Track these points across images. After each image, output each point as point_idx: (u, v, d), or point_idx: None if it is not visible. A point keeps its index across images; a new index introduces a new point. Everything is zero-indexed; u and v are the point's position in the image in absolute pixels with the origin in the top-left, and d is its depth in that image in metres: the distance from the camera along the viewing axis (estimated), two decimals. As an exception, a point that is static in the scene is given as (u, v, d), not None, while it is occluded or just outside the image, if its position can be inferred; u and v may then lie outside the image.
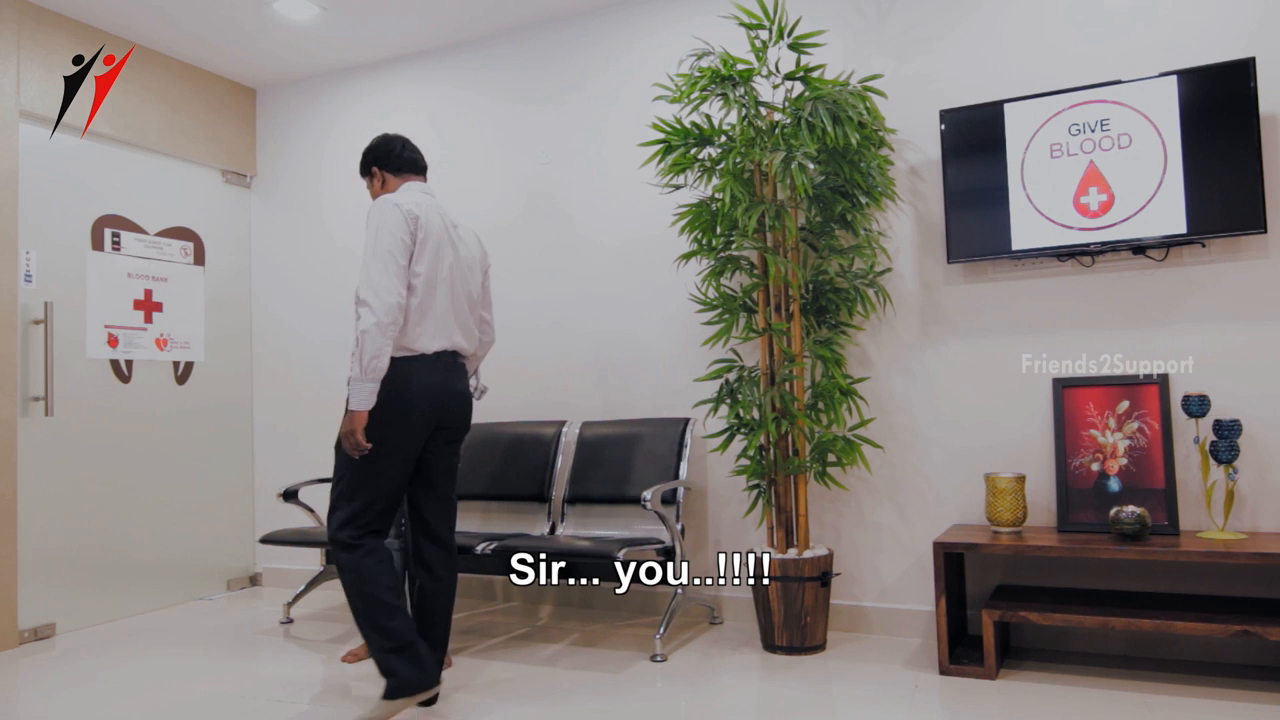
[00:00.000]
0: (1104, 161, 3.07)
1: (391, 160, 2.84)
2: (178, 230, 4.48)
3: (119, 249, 4.20)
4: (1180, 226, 2.95)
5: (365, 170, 2.91)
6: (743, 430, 3.31)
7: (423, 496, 2.75)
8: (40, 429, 3.80)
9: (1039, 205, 3.15)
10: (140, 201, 4.33)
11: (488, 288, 2.96)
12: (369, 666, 3.15)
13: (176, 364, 4.43)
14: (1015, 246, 3.18)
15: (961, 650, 3.02)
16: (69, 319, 3.95)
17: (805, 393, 3.38)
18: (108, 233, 4.16)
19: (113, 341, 4.14)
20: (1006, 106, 3.21)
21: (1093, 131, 3.08)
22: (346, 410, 2.52)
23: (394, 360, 2.56)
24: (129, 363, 4.22)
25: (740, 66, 3.29)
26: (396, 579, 2.60)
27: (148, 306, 4.32)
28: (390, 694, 2.50)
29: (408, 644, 2.51)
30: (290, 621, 3.90)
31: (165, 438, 4.35)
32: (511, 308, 4.23)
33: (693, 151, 3.39)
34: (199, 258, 4.59)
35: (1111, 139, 3.05)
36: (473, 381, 3.13)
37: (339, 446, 2.59)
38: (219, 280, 4.71)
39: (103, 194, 4.16)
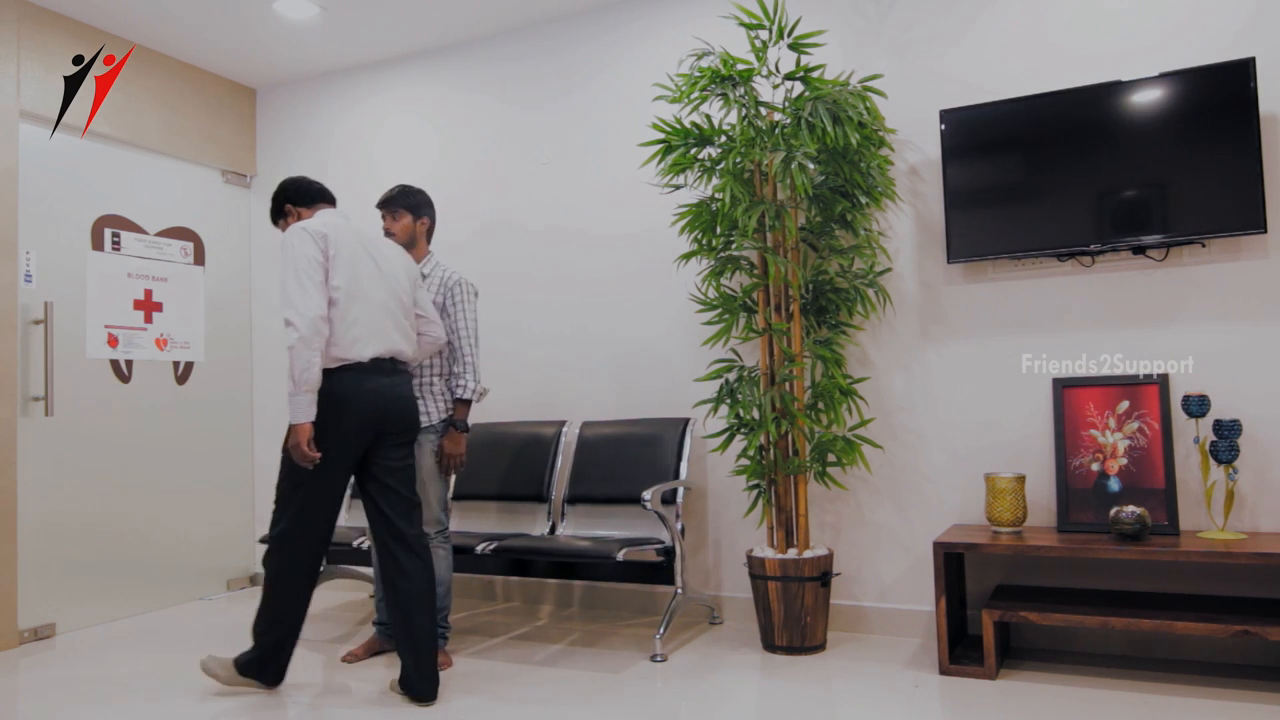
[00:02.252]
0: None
1: (303, 195, 2.99)
2: (178, 230, 4.48)
3: (119, 249, 4.20)
4: (1180, 227, 2.95)
5: (279, 213, 3.03)
6: (743, 430, 3.31)
7: (382, 501, 2.83)
8: (40, 429, 3.80)
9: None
10: (140, 201, 4.33)
11: (423, 300, 3.06)
12: (369, 667, 3.16)
13: (176, 364, 4.43)
14: (1016, 246, 3.18)
15: (961, 650, 3.02)
16: (69, 319, 3.95)
17: (805, 393, 3.38)
18: (108, 233, 4.16)
19: (113, 341, 4.14)
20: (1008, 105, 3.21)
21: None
22: (290, 424, 2.65)
23: (328, 371, 2.70)
24: (129, 363, 4.22)
25: (740, 66, 3.29)
26: (313, 581, 2.82)
27: (148, 306, 4.31)
28: (241, 667, 2.84)
29: (280, 648, 2.82)
30: (290, 621, 3.90)
31: (165, 437, 4.35)
32: (511, 308, 4.23)
33: (693, 151, 3.39)
34: (199, 258, 4.59)
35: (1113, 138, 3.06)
36: (468, 382, 3.15)
37: (284, 452, 2.73)
38: (219, 280, 4.71)
39: (103, 194, 4.16)
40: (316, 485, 2.72)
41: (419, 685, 2.74)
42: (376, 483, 2.82)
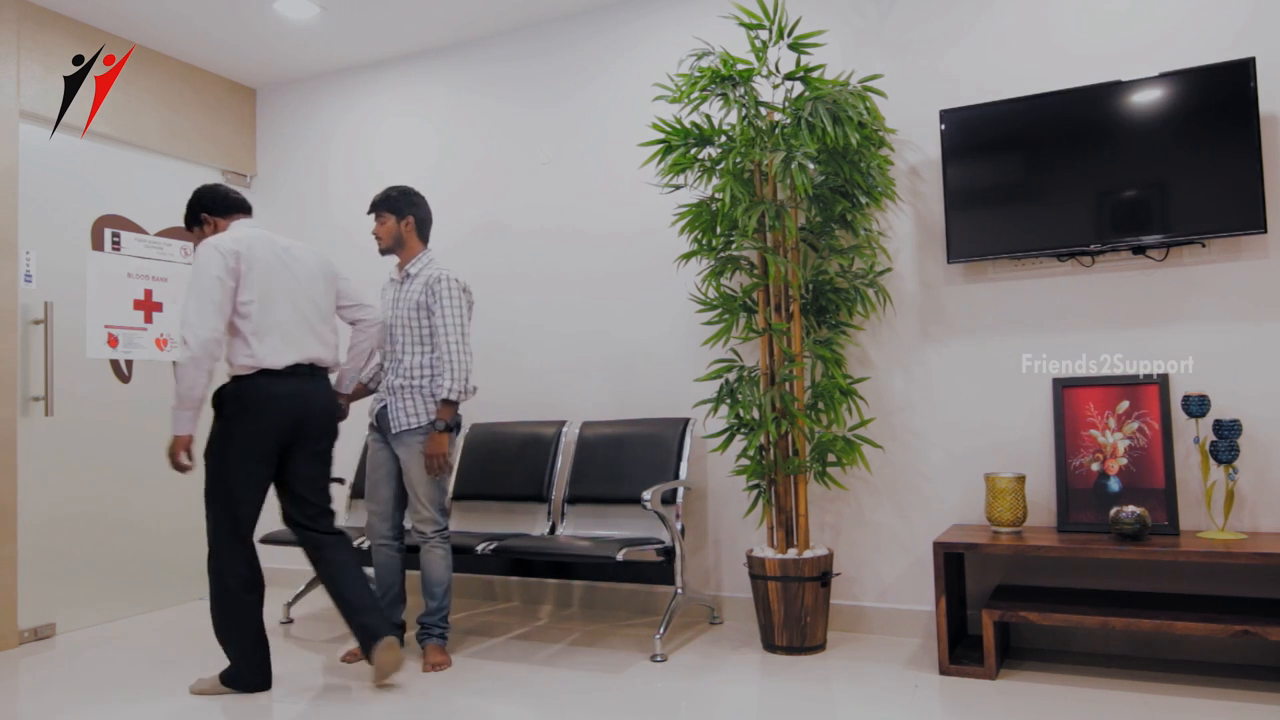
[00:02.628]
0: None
1: (219, 205, 3.03)
2: (178, 230, 4.48)
3: (119, 249, 4.20)
4: (1180, 227, 2.95)
5: (194, 220, 3.06)
6: (743, 430, 3.31)
7: (291, 506, 2.99)
8: (40, 429, 3.80)
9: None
10: (141, 202, 4.33)
11: (349, 291, 3.16)
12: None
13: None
14: (1016, 246, 3.18)
15: (961, 650, 3.02)
16: (69, 319, 3.95)
17: (805, 393, 3.38)
18: (108, 233, 4.16)
19: (113, 341, 4.14)
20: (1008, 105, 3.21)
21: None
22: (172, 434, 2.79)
23: (242, 378, 2.84)
24: (129, 363, 4.22)
25: (740, 66, 3.29)
26: (253, 581, 2.88)
27: (148, 306, 4.32)
28: (224, 680, 2.90)
29: (250, 654, 2.88)
30: (290, 621, 3.90)
31: (166, 437, 4.34)
32: (511, 307, 4.23)
33: (693, 151, 3.39)
34: None
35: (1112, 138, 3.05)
36: (447, 382, 3.11)
37: (206, 460, 2.88)
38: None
39: (103, 194, 4.16)
40: (239, 488, 2.83)
41: (377, 630, 2.83)
42: (287, 488, 2.97)
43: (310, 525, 2.98)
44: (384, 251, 3.30)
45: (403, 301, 3.23)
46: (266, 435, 2.84)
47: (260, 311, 2.83)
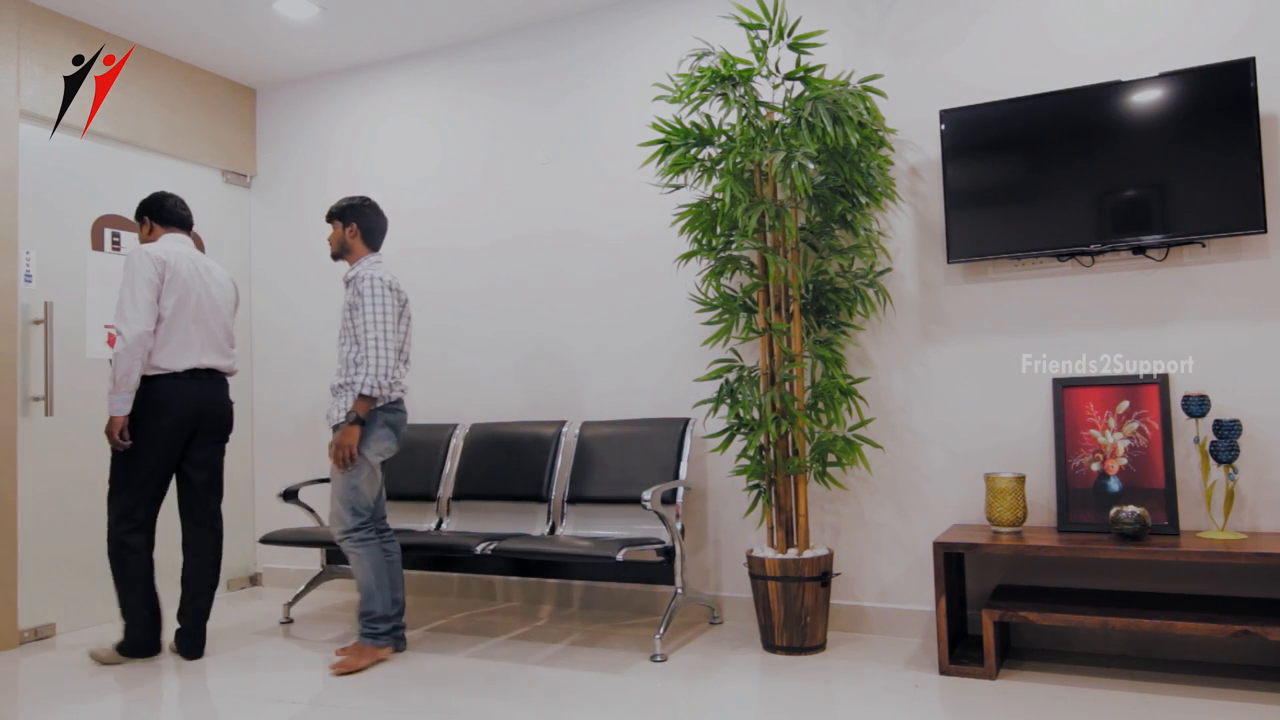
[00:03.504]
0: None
1: (162, 215, 3.40)
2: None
3: (119, 248, 4.20)
4: (1180, 227, 2.95)
5: (138, 217, 3.44)
6: (743, 430, 3.31)
7: (185, 489, 3.37)
8: (40, 429, 3.80)
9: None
10: (137, 203, 4.31)
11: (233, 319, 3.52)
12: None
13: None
14: (1016, 246, 3.18)
15: (961, 650, 3.02)
16: (69, 319, 3.95)
17: (805, 393, 3.38)
18: (107, 232, 4.16)
19: (112, 341, 4.12)
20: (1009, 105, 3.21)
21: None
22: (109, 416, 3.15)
23: (149, 378, 3.20)
24: None
25: (740, 66, 3.29)
26: (145, 568, 3.25)
27: None
28: (122, 649, 3.26)
29: (144, 618, 3.24)
30: (290, 621, 3.90)
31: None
32: (511, 307, 4.23)
33: (693, 151, 3.39)
34: None
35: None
36: (362, 377, 3.13)
37: (112, 451, 3.22)
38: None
39: (103, 194, 4.16)
40: (142, 473, 3.21)
41: (189, 644, 3.30)
42: (183, 474, 3.36)
43: (195, 512, 3.37)
44: (333, 257, 3.39)
45: (343, 306, 3.30)
46: (168, 430, 3.22)
47: (173, 316, 3.21)
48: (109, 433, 3.15)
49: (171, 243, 3.32)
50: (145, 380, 3.19)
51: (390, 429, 3.23)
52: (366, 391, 3.11)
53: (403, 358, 3.29)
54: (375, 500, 3.25)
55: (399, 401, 3.26)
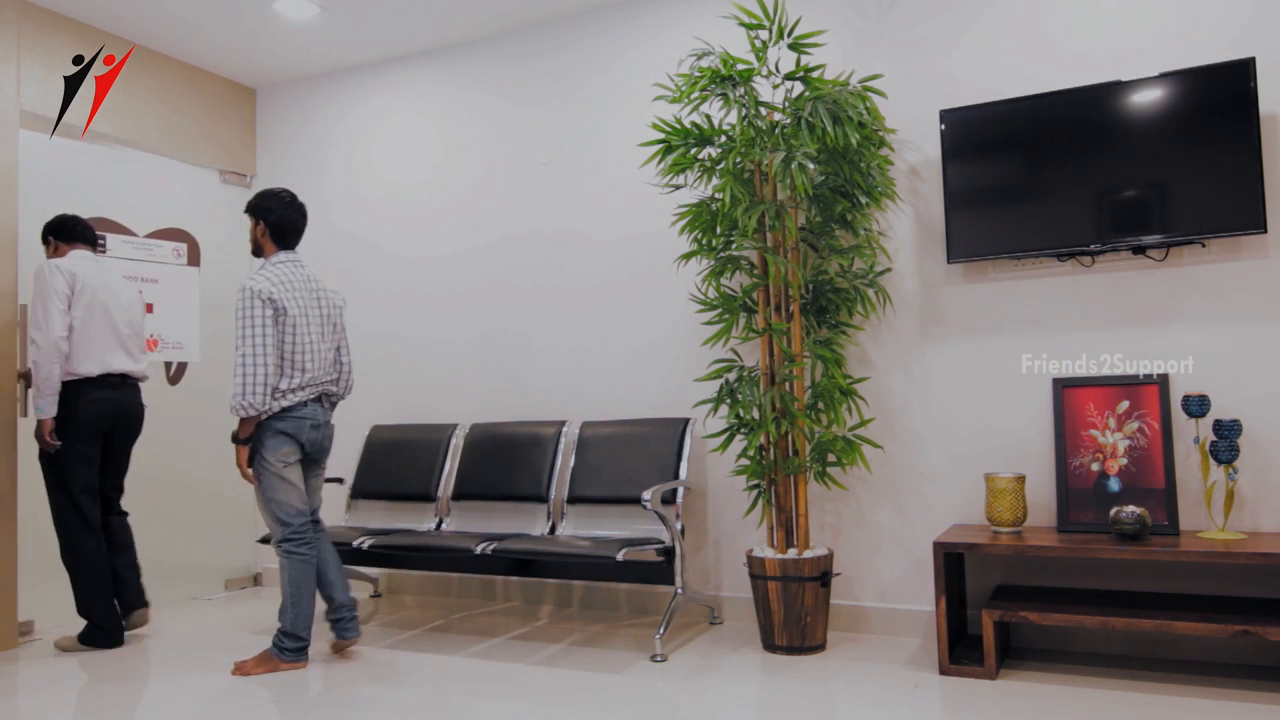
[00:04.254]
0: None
1: (65, 233, 3.61)
2: (170, 232, 4.51)
3: (104, 251, 4.23)
4: (1180, 227, 2.95)
5: (45, 239, 3.65)
6: (743, 430, 3.31)
7: (102, 482, 3.60)
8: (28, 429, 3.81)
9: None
10: (130, 205, 4.38)
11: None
12: (368, 664, 3.16)
13: (169, 364, 4.47)
14: (1016, 246, 3.18)
15: (961, 650, 3.02)
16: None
17: (805, 393, 3.38)
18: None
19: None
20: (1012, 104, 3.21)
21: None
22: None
23: (66, 382, 3.43)
24: None
25: (740, 66, 3.29)
26: (103, 565, 3.50)
27: None
28: (84, 639, 3.51)
29: (102, 608, 3.49)
30: (290, 621, 3.90)
31: (158, 437, 4.34)
32: (511, 307, 4.24)
33: (693, 151, 3.39)
34: (193, 259, 4.60)
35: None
36: (232, 395, 3.10)
37: (45, 461, 3.47)
38: (216, 281, 4.71)
39: (91, 197, 4.21)
40: (71, 470, 3.44)
41: (132, 601, 3.59)
42: (101, 467, 3.59)
43: (112, 503, 3.66)
44: (253, 253, 3.34)
45: None
46: (86, 430, 3.46)
47: (82, 326, 3.45)
48: (39, 435, 3.40)
49: (78, 259, 3.53)
50: (64, 385, 3.42)
51: (286, 435, 3.15)
52: (234, 412, 3.05)
53: (300, 368, 3.16)
54: (304, 502, 3.21)
55: (293, 408, 3.16)
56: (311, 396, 3.23)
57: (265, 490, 3.15)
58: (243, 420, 3.09)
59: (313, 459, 3.31)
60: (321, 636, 3.54)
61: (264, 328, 3.05)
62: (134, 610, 3.61)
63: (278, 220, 3.24)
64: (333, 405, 3.38)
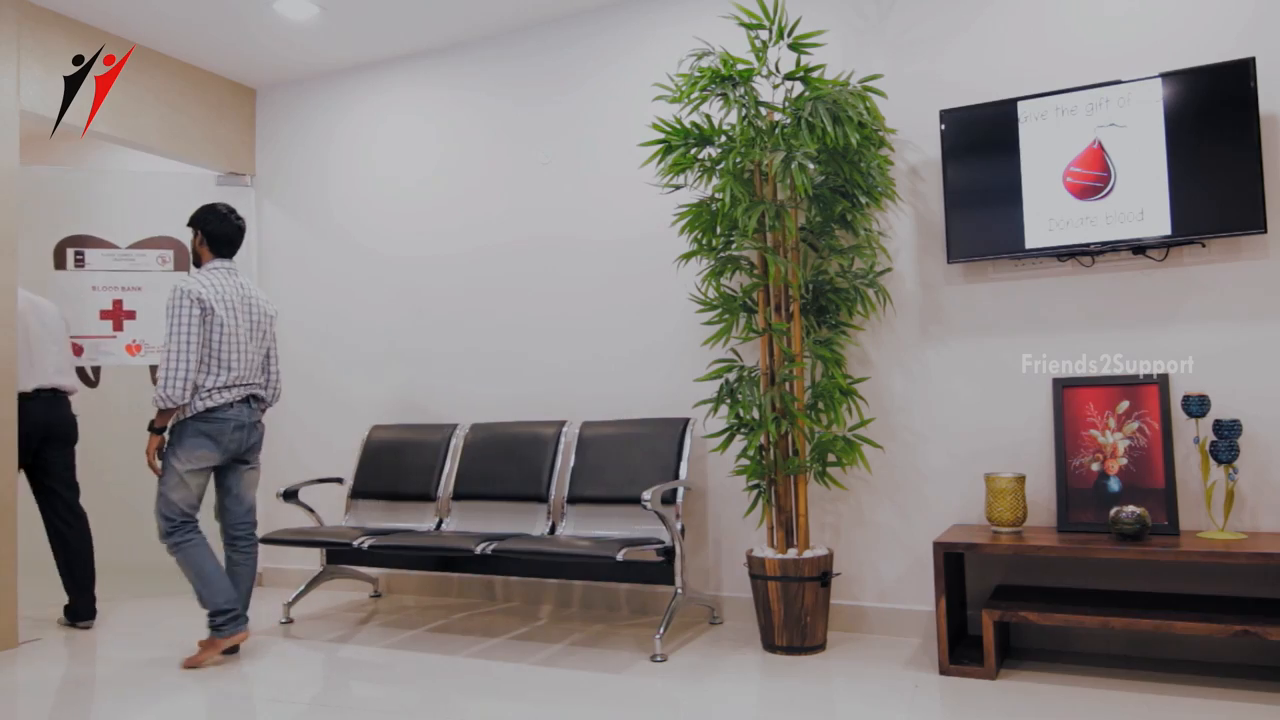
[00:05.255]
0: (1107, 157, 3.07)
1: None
2: (154, 240, 4.63)
3: (82, 265, 4.44)
4: (1180, 227, 2.95)
5: None
6: (743, 430, 3.31)
7: (43, 492, 3.85)
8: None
9: (1039, 204, 3.15)
10: (111, 218, 4.52)
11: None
12: (367, 665, 3.16)
13: (153, 368, 4.55)
14: (1016, 246, 3.18)
15: (961, 650, 3.02)
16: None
17: (805, 393, 3.38)
18: (70, 252, 4.47)
19: (78, 350, 4.36)
20: (1019, 104, 3.21)
21: (1096, 129, 3.08)
22: None
23: (19, 394, 3.70)
24: (96, 369, 4.47)
25: (740, 66, 3.29)
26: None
27: (117, 315, 4.48)
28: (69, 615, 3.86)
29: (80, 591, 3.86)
30: (290, 621, 3.90)
31: (141, 439, 4.33)
32: (511, 306, 4.24)
33: (693, 151, 3.39)
34: (180, 264, 4.63)
35: (1114, 138, 3.05)
36: (156, 389, 3.25)
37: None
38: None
39: (68, 217, 4.41)
40: (8, 474, 3.65)
41: (81, 611, 3.83)
42: (39, 476, 3.84)
43: (57, 507, 3.81)
44: (193, 262, 3.49)
45: None
46: (31, 440, 3.73)
47: (23, 348, 3.73)
48: None
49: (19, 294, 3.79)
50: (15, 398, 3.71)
51: (206, 438, 3.25)
52: (157, 404, 3.17)
53: (226, 366, 3.27)
54: (191, 506, 3.28)
55: (217, 409, 3.26)
56: (238, 398, 3.33)
57: (161, 485, 3.27)
58: (160, 411, 3.21)
59: (239, 459, 3.41)
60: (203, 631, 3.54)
61: (189, 326, 3.20)
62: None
63: (213, 231, 3.42)
64: (262, 409, 3.51)
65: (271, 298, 4.85)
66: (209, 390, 3.23)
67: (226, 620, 3.23)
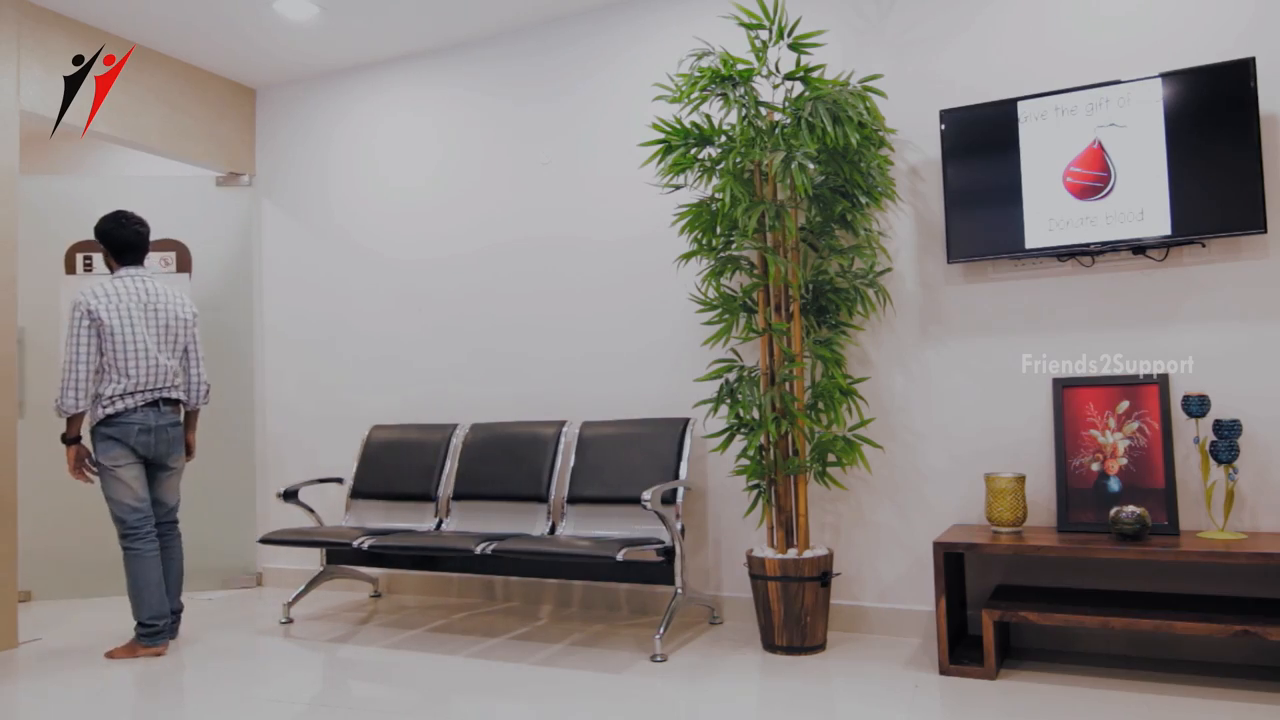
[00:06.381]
0: (1107, 158, 3.07)
1: None
2: (154, 243, 4.57)
3: (91, 270, 4.47)
4: (1180, 227, 2.95)
5: None
6: (743, 430, 3.31)
7: None
8: (34, 431, 3.81)
9: (1039, 204, 3.15)
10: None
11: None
12: (380, 667, 3.16)
13: None
14: (1016, 246, 3.18)
15: (961, 650, 3.02)
16: (45, 335, 4.22)
17: (805, 393, 3.38)
18: (79, 257, 4.48)
19: None
20: (1019, 104, 3.21)
21: (1096, 129, 3.08)
22: None
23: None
24: None
25: (740, 66, 3.29)
26: None
27: None
28: None
29: None
30: (290, 621, 3.90)
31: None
32: (512, 307, 4.24)
33: (693, 151, 3.39)
34: (183, 265, 4.63)
35: (1114, 138, 3.06)
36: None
37: None
38: (213, 284, 4.72)
39: (78, 223, 4.40)
40: None
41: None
42: None
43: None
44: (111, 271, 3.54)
45: None
46: None
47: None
48: None
49: None
50: None
51: (113, 440, 3.34)
52: (57, 414, 3.28)
53: (124, 374, 3.33)
54: (139, 500, 3.37)
55: (119, 414, 3.33)
56: (141, 403, 3.38)
57: (103, 488, 3.36)
58: (67, 422, 3.32)
59: (156, 463, 3.46)
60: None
61: (78, 338, 3.28)
62: None
63: (111, 240, 3.47)
64: (183, 412, 3.56)
65: (266, 298, 4.85)
66: (109, 398, 3.31)
67: (149, 634, 3.35)
